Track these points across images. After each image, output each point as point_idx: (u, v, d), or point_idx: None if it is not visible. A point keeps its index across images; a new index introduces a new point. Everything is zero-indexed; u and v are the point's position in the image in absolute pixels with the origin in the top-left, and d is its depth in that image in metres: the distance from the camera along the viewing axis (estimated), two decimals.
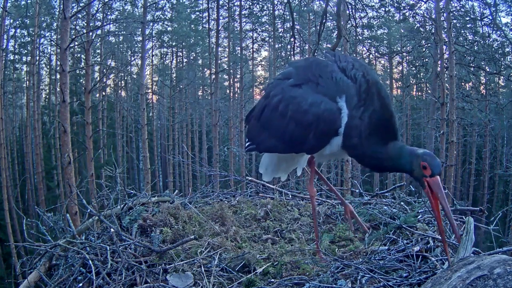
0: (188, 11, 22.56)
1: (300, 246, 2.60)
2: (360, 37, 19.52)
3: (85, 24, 13.91)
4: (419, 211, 3.02)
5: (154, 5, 17.09)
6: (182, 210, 3.03)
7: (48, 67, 22.22)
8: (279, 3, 17.40)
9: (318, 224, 3.05)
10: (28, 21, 17.91)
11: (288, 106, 2.30)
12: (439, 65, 11.13)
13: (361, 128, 2.13)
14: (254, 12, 20.91)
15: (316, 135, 2.24)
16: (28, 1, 17.38)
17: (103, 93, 22.33)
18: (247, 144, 2.63)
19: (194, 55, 25.71)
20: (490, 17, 13.10)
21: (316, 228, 2.64)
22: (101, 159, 18.43)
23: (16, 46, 20.98)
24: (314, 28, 16.87)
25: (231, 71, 21.97)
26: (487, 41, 13.94)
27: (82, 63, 16.90)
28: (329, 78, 2.25)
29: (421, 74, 18.61)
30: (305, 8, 14.97)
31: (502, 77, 14.42)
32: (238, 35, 20.60)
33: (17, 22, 18.50)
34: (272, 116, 2.41)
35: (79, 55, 18.53)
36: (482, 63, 14.17)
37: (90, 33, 12.30)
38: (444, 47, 10.64)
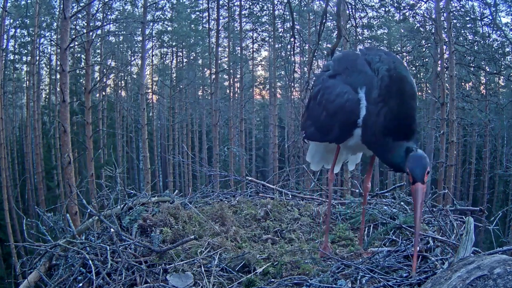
0: (188, 11, 22.56)
1: (300, 246, 2.60)
2: (360, 37, 19.49)
3: (85, 24, 13.92)
4: None
5: (154, 5, 17.09)
6: (182, 210, 3.02)
7: (48, 67, 22.21)
8: (279, 3, 17.39)
9: (318, 224, 3.05)
10: (28, 21, 17.90)
11: (323, 95, 2.40)
12: (439, 65, 11.13)
13: (376, 124, 2.13)
14: (254, 12, 20.90)
15: (339, 125, 2.30)
16: (28, 1, 17.39)
17: (103, 93, 22.32)
18: (302, 133, 2.76)
19: (194, 55, 25.70)
20: (490, 17, 13.10)
21: (329, 215, 2.66)
22: (101, 159, 18.43)
23: (16, 46, 20.98)
24: (314, 28, 16.86)
25: (231, 71, 21.97)
26: (487, 41, 13.93)
27: (82, 63, 16.90)
28: (355, 70, 2.28)
29: (421, 74, 18.60)
30: (305, 8, 14.96)
31: (502, 77, 14.41)
32: (238, 35, 20.59)
33: (17, 22, 18.50)
34: (313, 105, 2.55)
35: (79, 55, 18.53)
36: (482, 63, 14.16)
37: (90, 33, 12.30)
38: (444, 47, 10.64)
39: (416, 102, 2.19)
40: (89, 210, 2.84)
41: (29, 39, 19.59)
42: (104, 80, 19.46)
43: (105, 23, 16.45)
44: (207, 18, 19.91)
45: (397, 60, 2.29)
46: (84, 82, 13.86)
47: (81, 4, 10.89)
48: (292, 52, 8.97)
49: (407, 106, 2.12)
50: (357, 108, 2.19)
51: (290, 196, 3.72)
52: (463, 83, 16.70)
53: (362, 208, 2.75)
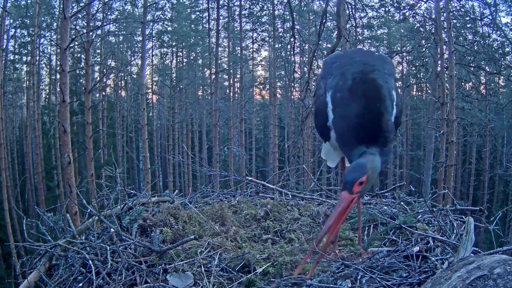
0: (188, 11, 22.56)
1: (300, 246, 2.60)
2: (360, 37, 19.50)
3: (85, 24, 13.91)
4: (419, 211, 3.02)
5: (154, 5, 17.10)
6: (182, 210, 3.02)
7: (48, 67, 22.20)
8: (279, 3, 17.40)
9: (318, 224, 3.06)
10: (28, 21, 17.89)
11: (315, 96, 2.56)
12: (439, 65, 11.12)
13: (340, 127, 2.16)
14: (254, 12, 20.91)
15: (318, 127, 2.40)
16: (28, 1, 17.40)
17: (103, 93, 22.31)
18: None
19: (194, 55, 25.70)
20: (490, 17, 13.11)
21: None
22: (101, 159, 18.42)
23: (16, 46, 20.97)
24: (314, 28, 16.87)
25: (231, 71, 21.98)
26: (487, 41, 13.93)
27: (82, 63, 16.88)
28: (331, 73, 2.31)
29: (421, 74, 18.60)
30: (305, 8, 14.96)
31: (502, 77, 14.41)
32: (238, 35, 20.60)
33: (17, 22, 18.49)
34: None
35: (79, 55, 18.52)
36: (482, 63, 14.16)
37: (90, 33, 12.30)
38: (444, 47, 10.64)
39: (386, 107, 2.12)
40: (89, 210, 2.83)
41: (29, 39, 19.58)
42: (104, 80, 19.46)
43: (105, 23, 16.45)
44: (207, 18, 19.92)
45: (371, 63, 2.27)
46: (84, 82, 13.86)
47: (81, 4, 10.90)
48: (292, 52, 8.98)
49: (370, 109, 2.09)
50: (326, 111, 2.23)
51: (290, 196, 3.71)
52: (463, 83, 16.70)
53: (358, 208, 2.75)
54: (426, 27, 14.12)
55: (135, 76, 22.08)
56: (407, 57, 21.05)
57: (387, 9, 19.06)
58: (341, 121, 2.15)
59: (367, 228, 2.92)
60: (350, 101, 2.12)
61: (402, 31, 19.57)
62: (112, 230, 2.55)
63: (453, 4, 11.77)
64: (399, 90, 2.50)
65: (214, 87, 16.63)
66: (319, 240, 2.04)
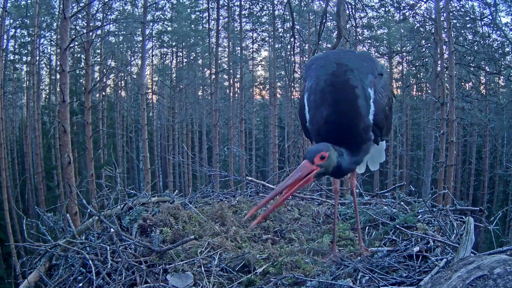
0: (188, 11, 22.54)
1: (300, 246, 2.60)
2: (360, 37, 19.47)
3: (85, 24, 13.91)
4: (419, 211, 3.02)
5: (154, 5, 17.11)
6: (182, 210, 3.03)
7: (48, 67, 22.19)
8: (279, 3, 17.38)
9: (318, 224, 3.06)
10: (28, 21, 17.88)
11: None
12: (439, 65, 11.12)
13: (313, 128, 2.23)
14: (254, 12, 20.90)
15: (302, 126, 2.45)
16: (28, 1, 17.40)
17: (103, 93, 22.30)
18: None
19: (194, 55, 25.69)
20: (490, 17, 13.10)
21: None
22: (101, 159, 18.41)
23: (16, 46, 20.96)
24: (314, 28, 16.85)
25: (231, 71, 21.95)
26: (487, 41, 13.92)
27: (82, 63, 16.88)
28: (308, 75, 2.37)
29: (421, 74, 18.62)
30: (305, 8, 14.95)
31: (502, 77, 14.41)
32: (238, 35, 20.59)
33: (17, 22, 18.49)
34: None
35: (79, 55, 18.51)
36: (482, 63, 14.16)
37: (90, 33, 12.30)
38: (444, 47, 10.63)
39: (359, 107, 2.14)
40: (89, 210, 2.84)
41: (29, 39, 19.57)
42: (104, 80, 19.46)
43: (105, 23, 16.45)
44: (207, 18, 19.91)
45: (346, 62, 2.28)
46: (84, 82, 13.85)
47: (81, 4, 10.89)
48: (292, 52, 8.98)
49: (338, 112, 2.13)
50: (304, 113, 2.31)
51: (290, 196, 3.71)
52: (463, 83, 16.69)
53: (355, 207, 2.75)
54: (426, 27, 14.13)
55: (135, 76, 22.06)
56: (407, 57, 21.06)
57: (387, 9, 19.06)
58: (313, 123, 2.23)
59: (367, 228, 2.92)
60: (320, 104, 2.18)
61: (402, 31, 19.57)
62: (112, 230, 2.55)
63: (453, 4, 11.77)
64: (392, 87, 2.51)
65: (214, 87, 16.62)
66: (268, 200, 2.08)
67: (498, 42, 15.88)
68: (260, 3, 20.07)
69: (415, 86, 22.26)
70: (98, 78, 17.44)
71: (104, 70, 17.68)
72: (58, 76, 14.43)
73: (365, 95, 2.18)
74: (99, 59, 18.84)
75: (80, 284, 2.19)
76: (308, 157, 1.99)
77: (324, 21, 6.95)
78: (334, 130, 2.12)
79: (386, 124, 2.36)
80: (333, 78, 2.21)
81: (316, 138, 2.24)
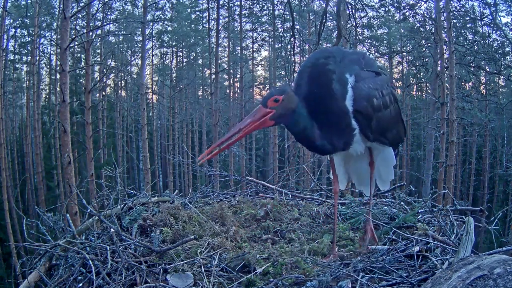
0: (188, 11, 22.55)
1: (300, 246, 2.59)
2: (360, 37, 19.45)
3: (85, 24, 13.93)
4: (419, 211, 3.02)
5: (154, 5, 17.11)
6: (182, 210, 3.02)
7: (48, 67, 22.20)
8: (279, 3, 17.40)
9: (318, 224, 3.05)
10: (28, 21, 17.89)
11: None
12: (439, 65, 11.12)
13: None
14: (254, 12, 20.90)
15: None
16: (28, 1, 17.39)
17: (103, 93, 22.30)
18: None
19: (194, 55, 25.70)
20: (490, 17, 13.10)
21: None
22: (101, 159, 18.42)
23: (16, 46, 20.97)
24: (314, 28, 16.85)
25: (231, 71, 21.96)
26: (487, 41, 13.92)
27: (82, 63, 16.88)
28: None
29: (421, 74, 18.59)
30: (305, 8, 14.94)
31: (502, 77, 14.41)
32: (238, 35, 20.60)
33: (17, 22, 18.49)
34: None
35: (79, 55, 18.51)
36: (482, 63, 14.16)
37: (90, 33, 12.30)
38: (444, 47, 10.63)
39: (330, 91, 2.21)
40: (89, 210, 2.83)
41: (29, 39, 19.58)
42: (104, 80, 19.46)
43: (105, 23, 16.46)
44: (207, 18, 19.92)
45: (326, 55, 2.37)
46: (84, 82, 13.86)
47: (81, 4, 10.90)
48: (292, 52, 8.97)
49: (312, 92, 2.23)
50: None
51: (290, 196, 3.71)
52: (463, 83, 16.68)
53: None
54: (426, 27, 14.12)
55: (135, 76, 22.07)
56: (407, 57, 21.06)
57: (387, 9, 19.06)
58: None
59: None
60: (300, 84, 2.32)
61: (402, 31, 19.57)
62: (112, 230, 2.55)
63: (453, 4, 11.77)
64: (395, 91, 2.54)
65: (214, 87, 16.62)
66: (224, 140, 2.19)
67: (498, 42, 15.89)
68: (260, 3, 20.08)
69: (415, 86, 22.26)
70: (98, 78, 17.44)
71: (104, 70, 17.68)
72: (58, 76, 14.45)
73: (341, 79, 2.24)
74: (99, 59, 18.85)
75: (80, 284, 2.19)
76: (262, 102, 2.14)
77: (324, 21, 6.96)
78: (308, 106, 2.21)
79: (383, 123, 2.36)
80: (314, 61, 2.35)
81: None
